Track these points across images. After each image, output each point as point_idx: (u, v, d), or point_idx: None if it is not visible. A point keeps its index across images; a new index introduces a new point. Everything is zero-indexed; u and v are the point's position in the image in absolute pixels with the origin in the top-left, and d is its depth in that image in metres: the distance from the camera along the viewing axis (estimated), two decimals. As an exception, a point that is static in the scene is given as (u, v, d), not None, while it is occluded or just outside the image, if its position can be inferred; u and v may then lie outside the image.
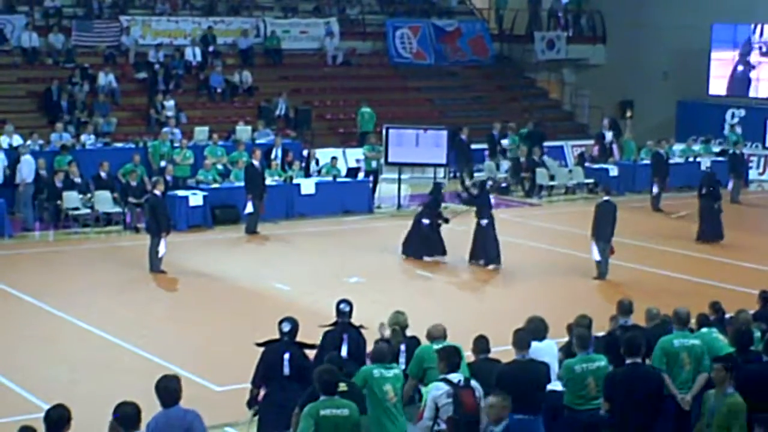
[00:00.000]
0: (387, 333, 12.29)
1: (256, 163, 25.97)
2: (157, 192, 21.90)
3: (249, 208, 25.33)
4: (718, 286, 20.64)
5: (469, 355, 11.64)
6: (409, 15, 42.52)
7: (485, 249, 22.41)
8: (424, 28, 41.18)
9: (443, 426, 10.08)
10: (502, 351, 12.00)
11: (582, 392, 11.10)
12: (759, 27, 39.10)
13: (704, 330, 12.65)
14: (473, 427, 9.99)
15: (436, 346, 11.11)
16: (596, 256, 21.30)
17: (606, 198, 21.55)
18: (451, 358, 10.44)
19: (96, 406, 9.28)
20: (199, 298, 20.10)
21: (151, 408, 9.84)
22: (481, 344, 11.56)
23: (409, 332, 12.36)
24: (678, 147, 34.92)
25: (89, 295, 20.01)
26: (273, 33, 38.57)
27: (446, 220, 23.41)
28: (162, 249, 21.59)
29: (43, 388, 14.37)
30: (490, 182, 24.00)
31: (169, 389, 9.19)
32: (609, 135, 35.26)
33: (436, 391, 10.07)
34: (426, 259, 22.95)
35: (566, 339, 12.60)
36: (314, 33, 39.71)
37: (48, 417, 8.62)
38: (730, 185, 31.69)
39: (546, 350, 11.63)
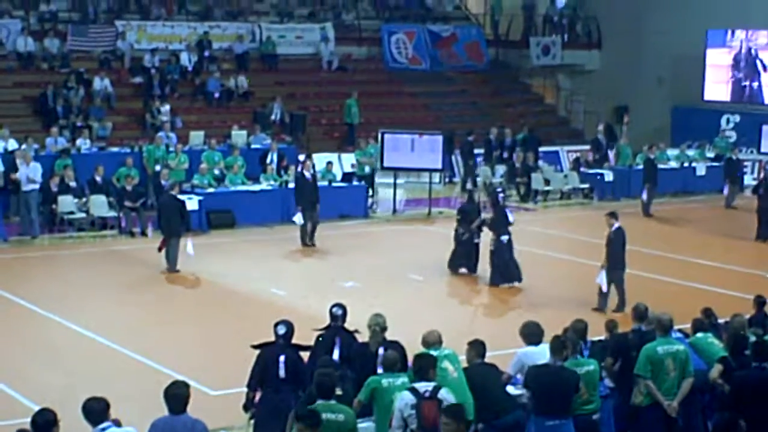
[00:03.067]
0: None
1: (307, 174, 25.40)
2: (173, 193, 22.53)
3: (298, 219, 24.84)
4: (712, 291, 20.67)
5: (463, 359, 11.66)
6: (405, 20, 42.57)
7: (513, 267, 21.36)
8: (420, 33, 41.20)
9: None
10: (497, 355, 12.03)
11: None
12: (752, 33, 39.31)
13: (699, 335, 12.68)
14: None
15: (434, 353, 11.08)
16: (603, 280, 19.43)
17: (617, 225, 19.89)
18: (421, 366, 10.37)
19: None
20: (194, 302, 20.11)
21: (147, 410, 9.86)
22: (477, 349, 11.57)
23: (404, 338, 12.30)
24: (672, 152, 35.08)
25: (84, 299, 20.01)
26: (268, 38, 38.59)
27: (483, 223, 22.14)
28: (180, 249, 22.05)
29: (38, 391, 14.34)
30: (500, 192, 22.33)
31: (178, 396, 9.22)
32: (601, 137, 35.40)
33: (401, 401, 10.01)
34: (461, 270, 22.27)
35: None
36: (309, 38, 39.75)
37: (34, 422, 8.65)
38: (726, 190, 31.82)
39: (542, 354, 11.63)
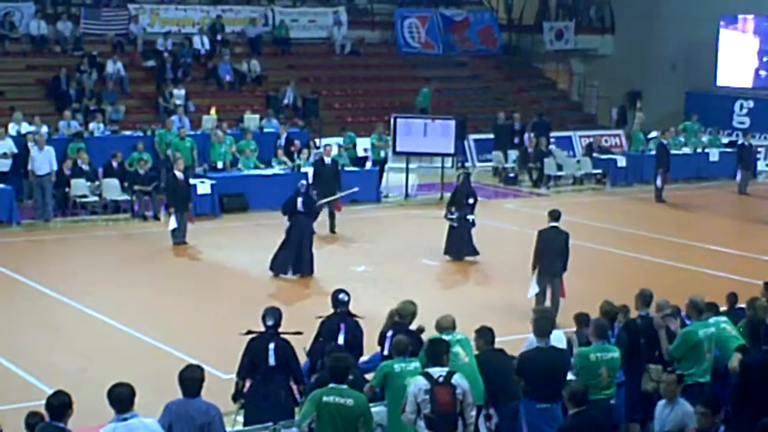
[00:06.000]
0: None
1: (327, 160, 25.23)
2: (175, 171, 23.06)
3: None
4: (725, 277, 20.61)
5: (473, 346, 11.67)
6: (418, 4, 42.47)
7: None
8: (433, 17, 41.13)
9: None
10: (509, 340, 12.04)
11: (594, 381, 11.09)
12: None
13: (711, 320, 12.64)
14: (449, 426, 9.93)
15: (447, 337, 11.10)
16: (534, 290, 17.50)
17: (553, 224, 17.79)
18: (435, 351, 10.36)
19: (104, 393, 9.33)
20: (206, 285, 20.12)
21: (161, 393, 9.89)
22: (486, 335, 11.58)
23: (417, 323, 12.29)
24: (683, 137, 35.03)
25: (97, 282, 20.06)
26: (281, 22, 38.55)
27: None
28: (171, 224, 22.63)
29: (50, 374, 14.42)
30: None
31: (193, 379, 9.22)
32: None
33: (414, 386, 10.01)
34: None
35: (573, 329, 12.60)
36: (322, 22, 39.69)
37: (49, 404, 8.68)
38: (738, 176, 31.71)
39: (554, 340, 11.63)
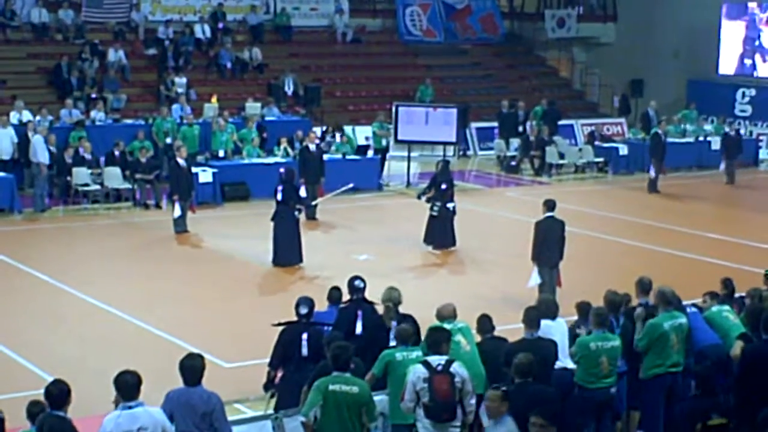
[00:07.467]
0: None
1: (311, 146, 25.23)
2: (178, 158, 22.93)
3: (302, 192, 24.18)
4: (726, 266, 20.58)
5: (474, 335, 11.66)
6: (419, -8, 42.40)
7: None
8: (434, 5, 41.02)
9: None
10: (510, 329, 12.03)
11: (594, 370, 11.13)
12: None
13: (714, 308, 12.62)
14: (447, 414, 9.93)
15: (448, 326, 11.09)
16: (535, 280, 17.47)
17: (549, 214, 17.64)
18: (435, 340, 10.35)
19: (105, 382, 9.34)
20: (209, 274, 20.11)
21: (162, 382, 9.88)
22: (485, 324, 11.58)
23: (419, 311, 12.30)
24: (689, 127, 34.94)
25: (98, 270, 20.06)
26: (283, 10, 38.50)
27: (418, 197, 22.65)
28: (176, 211, 22.53)
29: (52, 363, 14.40)
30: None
31: (194, 368, 9.20)
32: (652, 112, 35.18)
33: (413, 374, 10.00)
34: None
35: (576, 318, 12.60)
36: (324, 10, 39.63)
37: (48, 392, 8.67)
38: (722, 166, 31.39)
39: (557, 329, 11.65)
